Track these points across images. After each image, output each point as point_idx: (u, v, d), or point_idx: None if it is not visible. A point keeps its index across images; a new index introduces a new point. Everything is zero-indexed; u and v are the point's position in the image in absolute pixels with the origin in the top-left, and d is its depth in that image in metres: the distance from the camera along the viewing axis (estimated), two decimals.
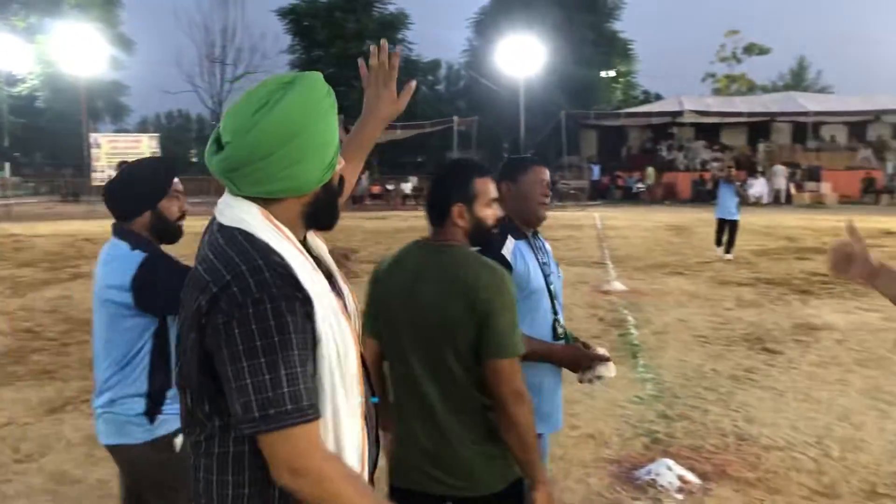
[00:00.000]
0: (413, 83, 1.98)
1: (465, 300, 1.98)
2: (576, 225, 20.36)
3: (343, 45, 42.60)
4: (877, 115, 33.45)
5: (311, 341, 1.37)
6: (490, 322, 1.97)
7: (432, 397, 2.06)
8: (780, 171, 29.46)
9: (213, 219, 1.51)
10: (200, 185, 39.55)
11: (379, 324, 2.15)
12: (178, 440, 2.35)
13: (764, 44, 51.10)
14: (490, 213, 2.17)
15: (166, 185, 2.49)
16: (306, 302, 1.37)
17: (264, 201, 1.44)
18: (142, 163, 2.70)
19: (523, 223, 2.71)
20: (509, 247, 2.59)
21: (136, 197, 2.45)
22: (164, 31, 57.09)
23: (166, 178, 2.51)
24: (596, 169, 32.09)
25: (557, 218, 23.28)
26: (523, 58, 33.78)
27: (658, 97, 46.85)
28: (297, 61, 45.87)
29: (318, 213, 1.51)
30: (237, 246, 1.39)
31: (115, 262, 2.38)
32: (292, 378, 1.31)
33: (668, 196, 31.84)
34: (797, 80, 54.46)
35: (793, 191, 29.47)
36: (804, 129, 33.14)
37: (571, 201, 28.82)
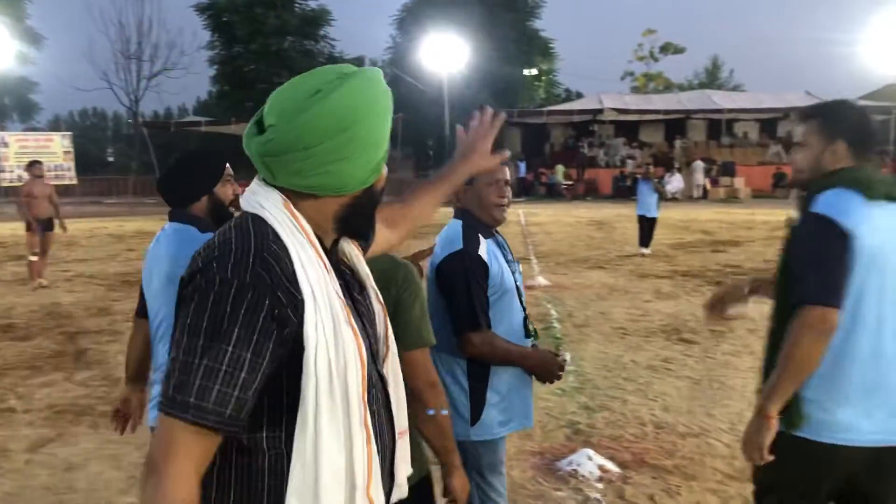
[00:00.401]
0: (507, 154, 2.00)
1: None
2: None
3: (264, 42, 41.87)
4: (786, 113, 34.79)
5: (270, 348, 1.22)
6: (400, 315, 1.96)
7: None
8: (699, 166, 30.38)
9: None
10: (117, 186, 38.42)
11: None
12: None
13: (679, 43, 52.59)
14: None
15: (221, 171, 2.66)
16: (287, 304, 1.23)
17: (297, 195, 1.33)
18: (195, 152, 2.92)
19: (484, 223, 2.65)
20: (484, 247, 2.55)
21: (195, 183, 2.61)
22: (76, 25, 55.26)
23: (220, 164, 2.67)
24: (522, 165, 32.42)
25: None
26: (447, 55, 33.93)
27: (579, 95, 47.66)
28: (216, 58, 44.83)
29: (355, 219, 1.39)
30: (240, 229, 1.29)
31: (190, 244, 2.43)
32: (210, 374, 1.18)
33: (590, 192, 32.48)
34: (711, 78, 56.22)
35: (708, 186, 30.43)
36: (718, 126, 34.26)
37: None
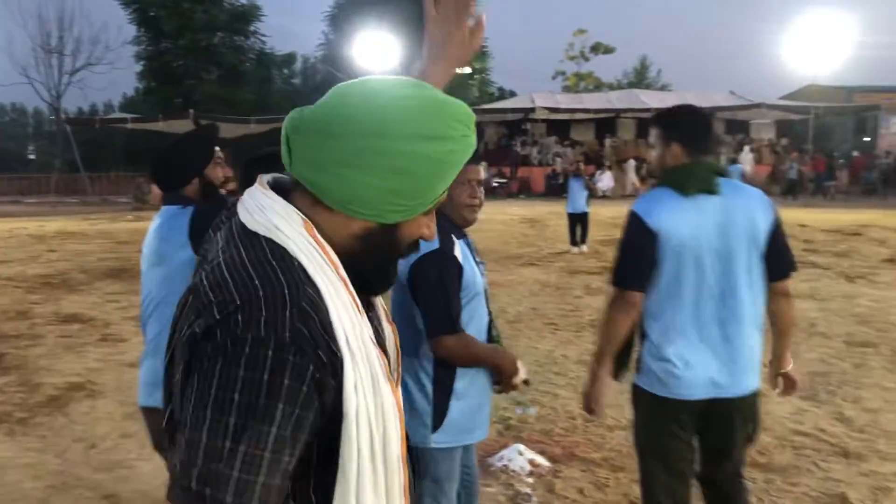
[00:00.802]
0: (483, 16, 1.51)
1: None
2: None
3: (192, 37, 40.97)
4: (711, 112, 35.85)
5: (311, 420, 0.99)
6: None
7: None
8: (632, 165, 31.04)
9: (232, 214, 1.15)
10: (38, 184, 37.04)
11: None
12: None
13: (609, 43, 53.54)
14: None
15: (210, 154, 2.79)
16: (328, 367, 0.99)
17: (311, 207, 1.09)
18: (184, 137, 2.96)
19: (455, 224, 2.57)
20: (458, 248, 2.49)
21: (185, 166, 2.72)
22: None
23: (209, 147, 2.80)
24: None
25: None
26: (379, 52, 33.76)
27: (512, 94, 48.08)
28: (143, 53, 43.65)
29: (363, 258, 1.12)
30: (261, 264, 1.02)
31: (171, 221, 2.62)
32: (252, 463, 0.93)
33: (523, 190, 32.81)
34: (640, 77, 57.42)
35: (638, 184, 31.10)
36: (647, 125, 34.99)
37: None
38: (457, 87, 45.73)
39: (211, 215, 2.37)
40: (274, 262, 1.03)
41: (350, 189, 1.06)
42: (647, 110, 33.72)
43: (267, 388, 0.95)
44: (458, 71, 1.58)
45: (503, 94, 50.99)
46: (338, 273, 1.07)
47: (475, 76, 49.26)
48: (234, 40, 44.10)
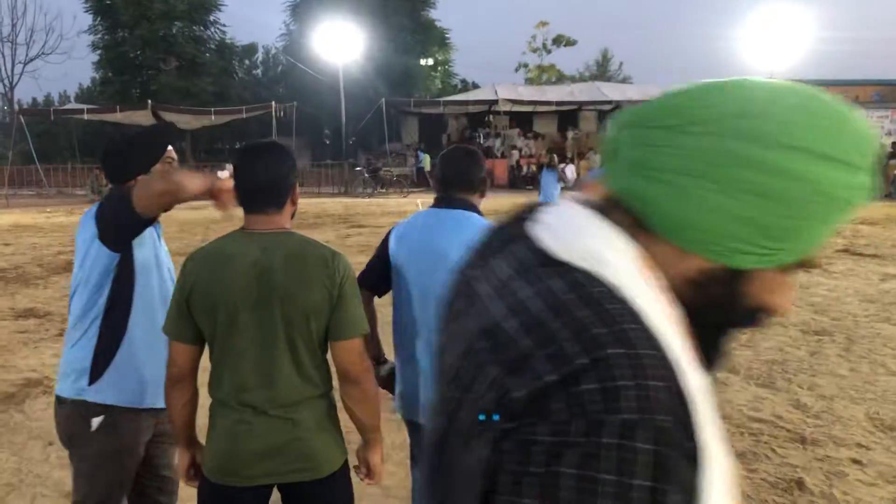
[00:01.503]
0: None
1: (323, 285, 2.00)
2: (400, 212, 20.54)
3: (150, 27, 40.29)
4: None
5: None
6: (345, 303, 2.04)
7: (278, 389, 2.03)
8: (594, 157, 31.34)
9: (515, 235, 0.85)
10: None
11: (206, 325, 2.03)
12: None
13: (571, 36, 53.90)
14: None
15: (160, 152, 2.62)
16: (698, 454, 0.67)
17: (631, 227, 0.79)
18: (143, 132, 2.81)
19: None
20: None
21: (137, 161, 2.58)
22: None
23: (162, 145, 2.64)
24: (423, 156, 32.26)
25: (381, 205, 23.42)
26: (341, 44, 33.54)
27: (475, 86, 48.13)
28: (99, 43, 42.80)
29: (699, 318, 0.79)
30: (594, 307, 0.70)
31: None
32: None
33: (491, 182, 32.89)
34: (602, 70, 57.92)
35: None
36: (609, 117, 35.36)
37: (395, 188, 29.02)
38: (419, 79, 45.69)
39: (115, 199, 2.38)
40: (612, 307, 0.71)
41: (692, 209, 0.75)
42: (609, 103, 34.03)
43: (664, 482, 0.64)
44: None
45: (466, 87, 51.05)
46: (677, 330, 0.74)
47: (438, 68, 49.23)
48: (194, 30, 43.45)
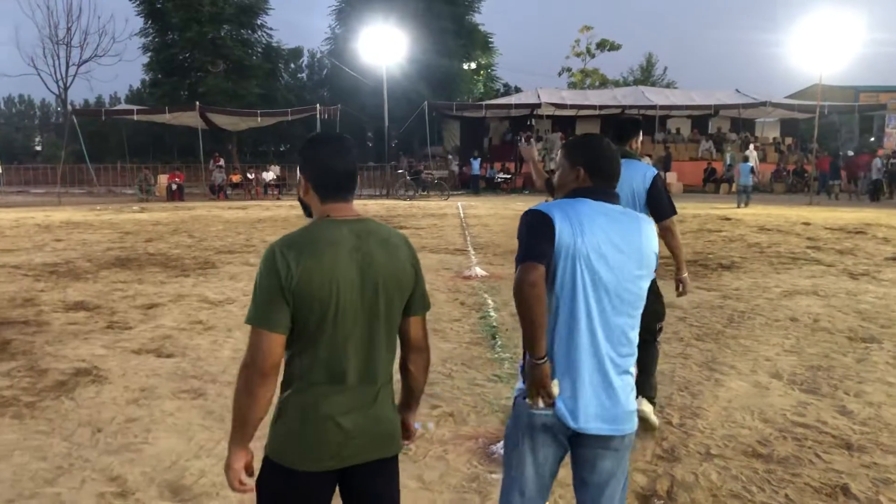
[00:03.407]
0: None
1: (410, 265, 2.15)
2: (439, 214, 20.61)
3: (199, 30, 41.04)
4: (716, 110, 35.80)
5: None
6: (421, 280, 2.22)
7: (377, 370, 2.12)
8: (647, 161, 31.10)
9: None
10: (45, 175, 37.08)
11: (314, 311, 2.01)
12: None
13: (615, 40, 53.43)
14: None
15: None
16: None
17: None
18: None
19: None
20: None
21: None
22: (0, 8, 52.96)
23: None
24: (475, 163, 32.21)
25: (422, 207, 23.50)
26: (385, 47, 33.74)
27: (518, 90, 48.03)
28: (150, 45, 43.75)
29: None
30: None
31: None
32: None
33: (528, 185, 32.81)
34: (646, 75, 57.30)
35: None
36: (652, 122, 34.99)
37: (435, 191, 29.11)
38: (461, 82, 45.77)
39: None
40: None
41: None
42: (653, 107, 33.71)
43: None
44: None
45: (508, 90, 50.96)
46: None
47: (481, 71, 49.26)
48: (241, 33, 44.16)
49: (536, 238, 2.31)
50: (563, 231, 2.29)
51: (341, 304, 2.02)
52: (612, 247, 2.31)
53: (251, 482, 2.12)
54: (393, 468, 2.23)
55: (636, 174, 4.32)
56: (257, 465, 2.15)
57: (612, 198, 2.43)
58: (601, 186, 2.43)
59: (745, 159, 27.83)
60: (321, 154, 2.12)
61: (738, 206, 22.70)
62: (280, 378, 2.09)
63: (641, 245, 2.35)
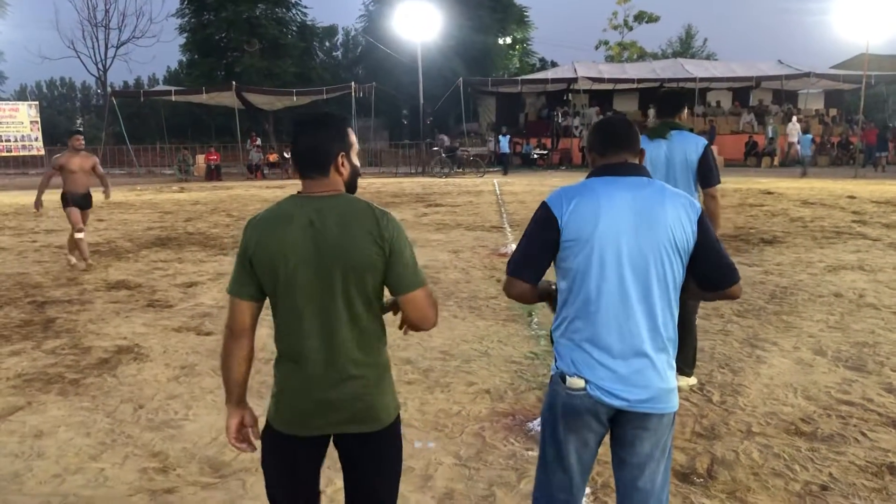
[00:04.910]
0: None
1: (374, 242, 2.10)
2: (475, 191, 20.54)
3: (235, 9, 41.17)
4: (757, 82, 35.00)
5: None
6: (399, 258, 2.14)
7: (337, 344, 2.13)
8: None
9: None
10: None
11: (268, 282, 2.15)
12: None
13: (653, 12, 52.49)
14: (357, 162, 2.28)
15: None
16: None
17: None
18: None
19: None
20: None
21: None
22: None
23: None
24: (504, 140, 31.96)
25: (458, 185, 23.43)
26: (420, 23, 33.52)
27: (554, 64, 47.52)
28: (186, 26, 44.04)
29: None
30: None
31: None
32: None
33: (564, 162, 32.54)
34: (685, 47, 56.26)
35: None
36: (692, 95, 34.38)
37: (471, 168, 28.98)
38: (497, 58, 45.34)
39: None
40: None
41: None
42: (693, 80, 33.09)
43: None
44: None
45: (544, 65, 50.42)
46: None
47: (516, 46, 48.76)
48: (276, 12, 44.19)
49: (534, 243, 2.37)
50: (571, 221, 2.30)
51: (288, 278, 2.11)
52: (635, 221, 2.27)
53: (252, 443, 2.31)
54: (382, 442, 2.22)
55: (689, 144, 4.63)
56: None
57: (630, 170, 2.39)
58: (614, 161, 2.43)
59: (806, 131, 27.58)
60: (293, 135, 2.22)
61: (801, 177, 24.43)
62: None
63: (667, 217, 2.27)
